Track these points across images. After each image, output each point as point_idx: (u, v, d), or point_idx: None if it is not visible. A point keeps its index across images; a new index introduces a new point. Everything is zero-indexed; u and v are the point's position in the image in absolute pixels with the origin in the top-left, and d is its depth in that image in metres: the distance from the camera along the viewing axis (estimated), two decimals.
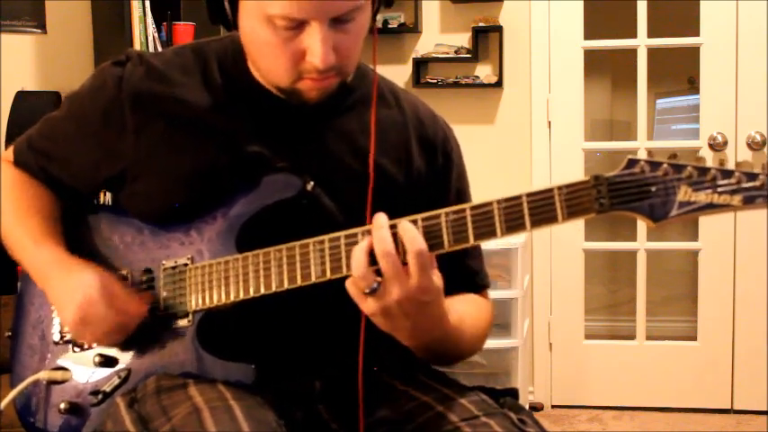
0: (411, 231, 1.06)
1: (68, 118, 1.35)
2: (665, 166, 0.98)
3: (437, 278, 1.09)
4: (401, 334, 1.13)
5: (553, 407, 3.57)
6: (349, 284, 1.08)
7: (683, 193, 0.97)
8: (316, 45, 1.13)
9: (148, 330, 1.25)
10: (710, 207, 0.95)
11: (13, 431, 1.91)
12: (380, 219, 1.08)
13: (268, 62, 1.20)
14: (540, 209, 1.03)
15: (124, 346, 1.27)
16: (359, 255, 1.06)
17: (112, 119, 1.28)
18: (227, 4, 1.18)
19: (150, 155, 1.27)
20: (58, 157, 1.36)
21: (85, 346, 1.31)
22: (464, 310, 1.26)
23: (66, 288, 1.25)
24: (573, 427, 3.36)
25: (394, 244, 1.06)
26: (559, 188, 1.02)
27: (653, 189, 0.98)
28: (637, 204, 0.99)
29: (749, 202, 0.94)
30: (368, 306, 1.08)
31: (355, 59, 1.23)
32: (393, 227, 1.07)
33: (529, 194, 1.04)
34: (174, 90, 1.27)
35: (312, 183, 1.22)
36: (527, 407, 2.82)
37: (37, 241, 1.31)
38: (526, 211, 1.03)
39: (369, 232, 1.09)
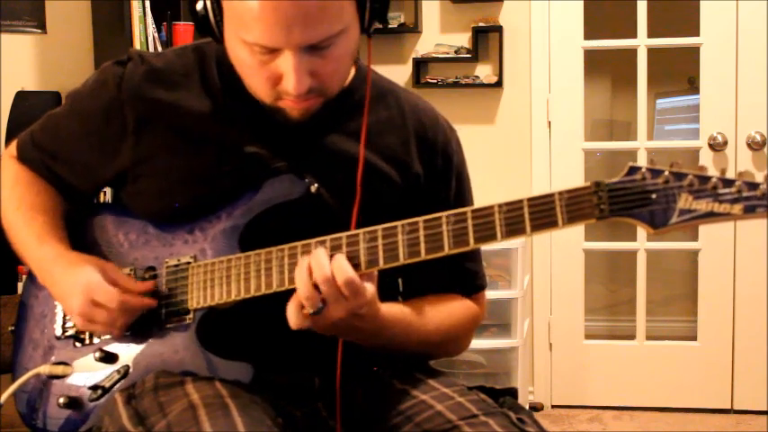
0: (337, 261, 1.10)
1: (70, 116, 1.37)
2: (666, 173, 0.97)
3: (370, 288, 1.12)
4: (337, 335, 1.18)
5: (553, 407, 3.57)
6: (292, 303, 1.12)
7: (684, 201, 0.96)
8: (288, 72, 1.14)
9: (149, 326, 1.26)
10: (711, 215, 0.95)
11: (13, 431, 1.91)
12: (318, 252, 1.11)
13: (249, 81, 1.22)
14: (540, 214, 1.03)
15: (125, 343, 1.28)
16: (304, 277, 1.10)
17: (113, 118, 1.29)
18: (212, 20, 1.18)
19: (150, 156, 1.28)
20: (61, 154, 1.37)
21: (86, 341, 1.32)
22: (423, 307, 1.29)
23: (69, 280, 1.26)
24: (573, 427, 3.36)
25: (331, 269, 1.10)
26: (560, 193, 1.03)
27: (653, 196, 0.98)
28: (637, 211, 0.99)
29: (750, 211, 0.93)
30: (308, 322, 1.12)
31: (338, 80, 1.23)
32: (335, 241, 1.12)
33: (530, 199, 1.04)
34: (173, 93, 1.28)
35: (316, 185, 1.23)
36: (527, 407, 2.82)
37: (41, 239, 1.32)
38: (527, 216, 1.04)
39: (369, 233, 1.11)
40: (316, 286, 1.09)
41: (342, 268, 1.09)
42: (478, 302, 1.39)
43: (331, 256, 1.11)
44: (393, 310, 1.23)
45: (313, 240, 1.15)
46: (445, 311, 1.33)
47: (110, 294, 1.22)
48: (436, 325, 1.31)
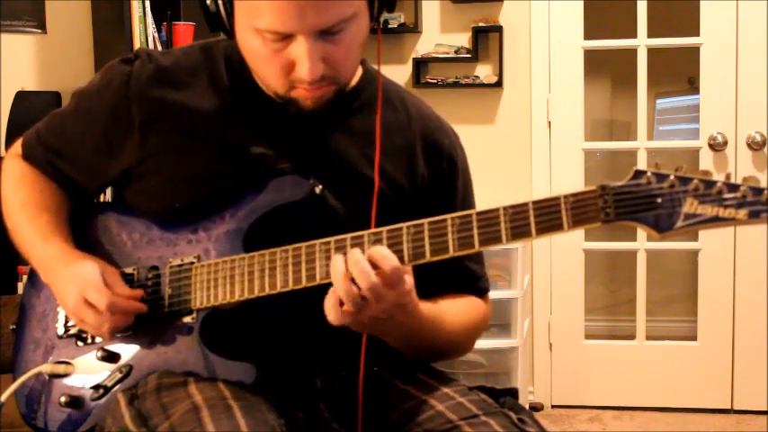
0: (379, 250, 1.09)
1: (76, 114, 1.37)
2: (671, 177, 0.97)
3: (408, 277, 1.12)
4: (378, 333, 1.18)
5: (553, 407, 3.57)
6: (329, 300, 1.11)
7: (689, 206, 0.96)
8: (302, 58, 1.14)
9: (152, 326, 1.26)
10: (716, 220, 0.95)
11: (13, 431, 1.91)
12: (354, 250, 1.10)
13: (262, 71, 1.22)
14: (545, 217, 1.04)
15: (127, 342, 1.28)
16: (340, 273, 1.09)
17: (119, 116, 1.29)
18: (223, 13, 1.19)
19: (155, 154, 1.28)
20: (67, 152, 1.38)
21: (88, 341, 1.32)
22: (447, 305, 1.29)
23: (69, 276, 1.26)
24: (573, 427, 3.36)
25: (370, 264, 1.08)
26: (566, 197, 1.03)
27: (659, 200, 0.98)
28: (642, 215, 0.99)
29: (755, 216, 0.93)
30: (348, 319, 1.11)
31: (350, 68, 1.24)
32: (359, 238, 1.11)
33: (535, 202, 1.04)
34: (181, 92, 1.28)
35: (320, 186, 1.23)
36: (527, 407, 2.82)
37: (45, 237, 1.32)
38: (532, 219, 1.04)
39: (374, 234, 1.11)
40: (353, 281, 1.08)
41: (386, 256, 1.08)
42: (486, 303, 1.41)
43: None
44: (426, 304, 1.22)
45: (317, 241, 1.15)
46: (464, 310, 1.34)
47: (101, 295, 1.22)
48: (461, 321, 1.32)
